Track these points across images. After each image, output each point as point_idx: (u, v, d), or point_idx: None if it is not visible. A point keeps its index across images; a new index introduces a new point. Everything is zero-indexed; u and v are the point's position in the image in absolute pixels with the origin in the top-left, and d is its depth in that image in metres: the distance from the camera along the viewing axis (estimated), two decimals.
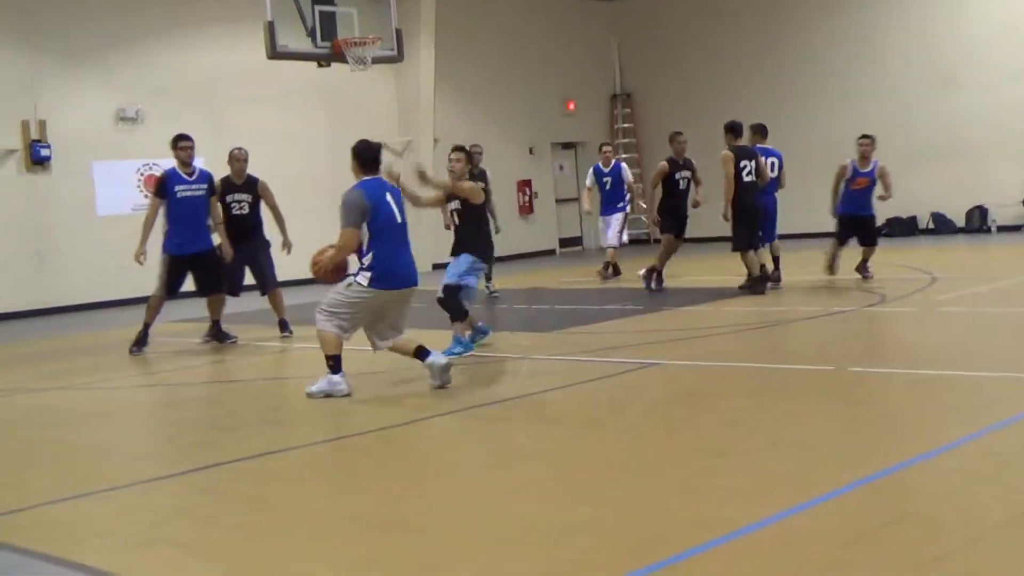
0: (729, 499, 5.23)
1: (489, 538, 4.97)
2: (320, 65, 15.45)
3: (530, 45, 25.27)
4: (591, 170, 17.87)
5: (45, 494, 6.35)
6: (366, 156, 8.90)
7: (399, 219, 8.81)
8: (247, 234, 12.75)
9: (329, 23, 14.87)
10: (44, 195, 18.51)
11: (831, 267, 14.49)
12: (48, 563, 5.05)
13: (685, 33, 25.79)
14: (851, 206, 14.38)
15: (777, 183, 14.94)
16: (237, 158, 12.89)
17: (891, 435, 6.40)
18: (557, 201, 26.36)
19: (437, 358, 8.71)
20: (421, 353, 8.70)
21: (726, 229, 14.17)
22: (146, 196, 18.98)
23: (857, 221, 14.36)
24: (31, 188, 18.40)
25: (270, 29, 14.09)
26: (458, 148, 10.73)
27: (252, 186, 12.89)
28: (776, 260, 14.67)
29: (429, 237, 20.41)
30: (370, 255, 8.63)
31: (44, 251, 18.43)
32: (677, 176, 14.96)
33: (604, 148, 17.95)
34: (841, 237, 14.49)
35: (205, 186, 12.32)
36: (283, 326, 12.79)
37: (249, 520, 5.56)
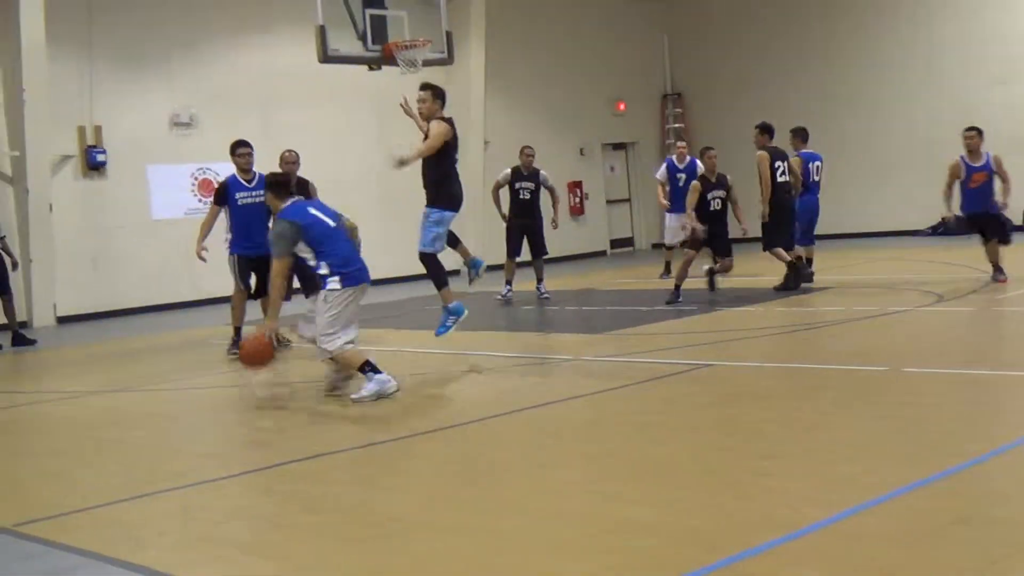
0: (785, 500, 5.20)
1: (542, 538, 4.98)
2: (371, 68, 15.52)
3: (580, 46, 25.25)
4: (664, 164, 17.76)
5: (106, 494, 6.43)
6: (277, 186, 9.22)
7: (332, 224, 8.97)
8: None
9: (380, 26, 14.93)
10: (100, 200, 18.74)
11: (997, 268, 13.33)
12: (109, 564, 5.12)
13: (736, 32, 25.65)
14: (974, 204, 13.33)
15: (819, 186, 14.96)
16: (288, 160, 12.90)
17: (948, 436, 6.34)
18: (608, 202, 26.32)
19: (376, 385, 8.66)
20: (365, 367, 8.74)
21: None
22: (201, 200, 19.23)
23: (984, 219, 13.28)
24: (87, 193, 18.65)
25: (322, 33, 14.18)
26: (425, 87, 10.52)
27: (304, 188, 12.95)
28: (809, 261, 14.75)
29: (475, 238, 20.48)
30: (324, 265, 8.77)
31: (100, 255, 18.66)
32: (709, 196, 13.95)
33: (679, 144, 17.79)
34: (982, 235, 13.42)
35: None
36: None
37: (305, 520, 5.61)
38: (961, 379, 8.01)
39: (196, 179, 19.77)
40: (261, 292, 12.35)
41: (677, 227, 16.57)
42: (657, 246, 26.30)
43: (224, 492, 6.40)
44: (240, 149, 12.38)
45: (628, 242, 26.92)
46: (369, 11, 14.77)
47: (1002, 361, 8.58)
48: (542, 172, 15.81)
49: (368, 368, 8.70)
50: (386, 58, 14.84)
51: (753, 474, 5.78)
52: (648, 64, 26.85)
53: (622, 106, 26.35)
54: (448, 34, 15.62)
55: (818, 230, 15.30)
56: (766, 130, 14.28)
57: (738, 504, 5.23)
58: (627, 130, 26.63)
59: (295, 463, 6.88)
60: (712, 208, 13.99)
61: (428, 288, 19.01)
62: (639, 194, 26.96)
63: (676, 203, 17.00)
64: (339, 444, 7.45)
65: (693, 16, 26.62)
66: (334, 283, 8.68)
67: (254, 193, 12.05)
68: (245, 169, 12.26)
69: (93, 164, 18.54)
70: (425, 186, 10.51)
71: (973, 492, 5.25)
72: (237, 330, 12.23)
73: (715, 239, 14.04)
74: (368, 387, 8.66)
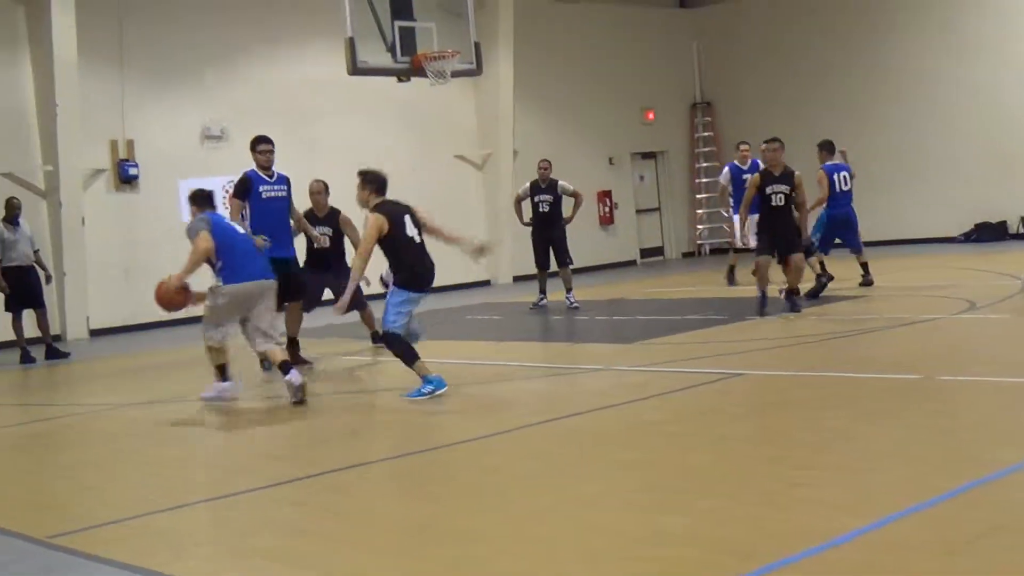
0: (820, 509, 5.17)
1: (577, 547, 4.97)
2: (400, 80, 15.56)
3: (609, 55, 25.22)
4: (727, 168, 17.62)
5: (139, 507, 6.46)
6: (200, 199, 10.43)
7: (240, 231, 10.19)
8: (329, 265, 12.71)
9: (408, 38, 14.96)
10: (132, 213, 18.86)
11: None
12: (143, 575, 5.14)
13: (766, 40, 25.56)
14: None
15: (849, 195, 15.03)
16: (315, 191, 12.89)
17: (983, 444, 6.28)
18: (637, 211, 26.26)
19: (294, 377, 9.47)
20: (284, 367, 9.56)
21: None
22: (226, 207, 19.33)
23: None
24: (120, 206, 18.76)
25: (351, 45, 14.21)
26: (359, 174, 9.72)
27: (334, 218, 12.92)
28: (864, 267, 14.81)
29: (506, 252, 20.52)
30: (219, 264, 9.87)
31: (132, 268, 18.76)
32: (768, 191, 12.98)
33: (741, 146, 17.60)
34: None
35: (286, 188, 12.03)
36: (375, 338, 12.67)
37: (339, 530, 5.62)
38: (996, 387, 7.93)
39: (227, 192, 19.82)
40: (286, 296, 11.84)
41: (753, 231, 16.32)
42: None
43: (256, 503, 6.41)
44: (261, 146, 12.06)
45: (658, 251, 26.84)
46: (398, 23, 14.79)
47: None
48: (560, 182, 15.89)
49: (219, 372, 9.82)
50: (415, 69, 14.87)
51: (787, 484, 5.74)
52: (677, 73, 26.79)
53: (651, 115, 26.30)
54: (476, 45, 15.63)
55: None
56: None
57: (772, 514, 5.20)
58: (656, 139, 26.57)
59: (327, 475, 6.89)
60: (774, 204, 12.96)
61: (465, 298, 19.15)
62: (669, 203, 26.90)
63: (739, 205, 16.83)
64: (370, 455, 7.47)
65: (722, 24, 26.55)
66: (218, 281, 9.88)
67: (276, 187, 11.88)
68: (265, 167, 11.96)
69: (125, 178, 18.66)
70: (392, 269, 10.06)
71: (1008, 501, 5.20)
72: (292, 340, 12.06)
73: (777, 238, 12.97)
74: (211, 392, 9.87)
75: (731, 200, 17.25)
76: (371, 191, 9.50)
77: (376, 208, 9.40)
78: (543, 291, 16.05)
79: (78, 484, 7.39)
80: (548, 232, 15.88)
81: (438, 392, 9.21)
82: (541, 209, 15.95)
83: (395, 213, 9.42)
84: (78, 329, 17.89)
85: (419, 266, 9.58)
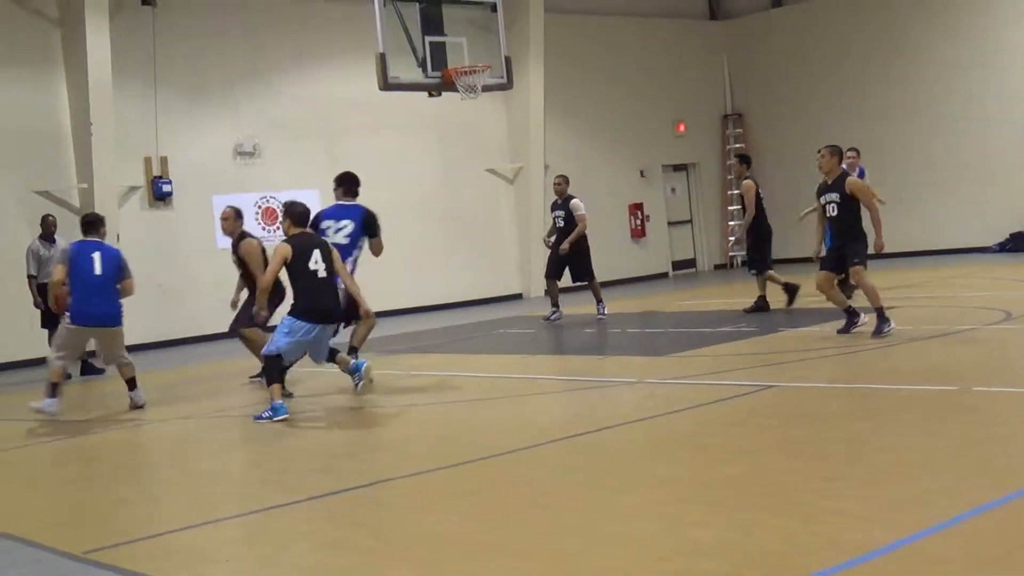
0: (853, 522, 5.14)
1: (606, 561, 4.96)
2: (431, 95, 15.59)
3: (639, 67, 25.23)
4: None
5: (172, 521, 6.51)
6: (86, 223, 11.49)
7: (98, 272, 10.96)
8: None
9: (439, 53, 15.01)
10: (166, 229, 19.01)
11: None
12: None
13: (796, 51, 25.51)
14: None
15: None
16: (223, 216, 13.03)
17: (1017, 456, 6.23)
18: (669, 224, 26.22)
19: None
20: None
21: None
22: (264, 228, 19.49)
23: None
24: (154, 223, 18.91)
25: (382, 61, 14.27)
26: (284, 204, 10.81)
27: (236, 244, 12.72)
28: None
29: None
30: (69, 299, 10.95)
31: (166, 284, 18.90)
32: (823, 201, 12.13)
33: (848, 153, 17.44)
34: None
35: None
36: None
37: (370, 545, 5.63)
38: None
39: (260, 208, 19.98)
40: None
41: None
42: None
43: (288, 518, 6.43)
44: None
45: (690, 263, 26.79)
46: (428, 38, 14.84)
47: None
48: (574, 200, 16.02)
49: (49, 388, 10.78)
50: (446, 84, 14.91)
51: (819, 496, 5.71)
52: (708, 85, 26.77)
53: (682, 127, 26.28)
54: (507, 59, 15.66)
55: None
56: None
57: (805, 526, 5.18)
58: (688, 151, 26.54)
59: (358, 489, 6.92)
60: (828, 214, 12.03)
61: (497, 312, 19.18)
62: (701, 215, 26.85)
63: None
64: (402, 470, 7.48)
65: (753, 36, 26.51)
66: (67, 319, 10.95)
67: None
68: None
69: (159, 195, 18.82)
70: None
71: None
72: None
73: (833, 250, 12.08)
74: (41, 403, 10.78)
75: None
76: (290, 222, 10.29)
77: (288, 238, 10.18)
78: (555, 304, 16.26)
79: (112, 499, 7.44)
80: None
81: (276, 419, 9.63)
82: (557, 224, 16.23)
83: (303, 245, 10.10)
84: None
85: (315, 299, 10.06)
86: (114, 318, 11.14)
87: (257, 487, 7.49)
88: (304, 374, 12.56)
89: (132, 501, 7.37)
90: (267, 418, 9.65)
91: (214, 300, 12.50)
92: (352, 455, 8.28)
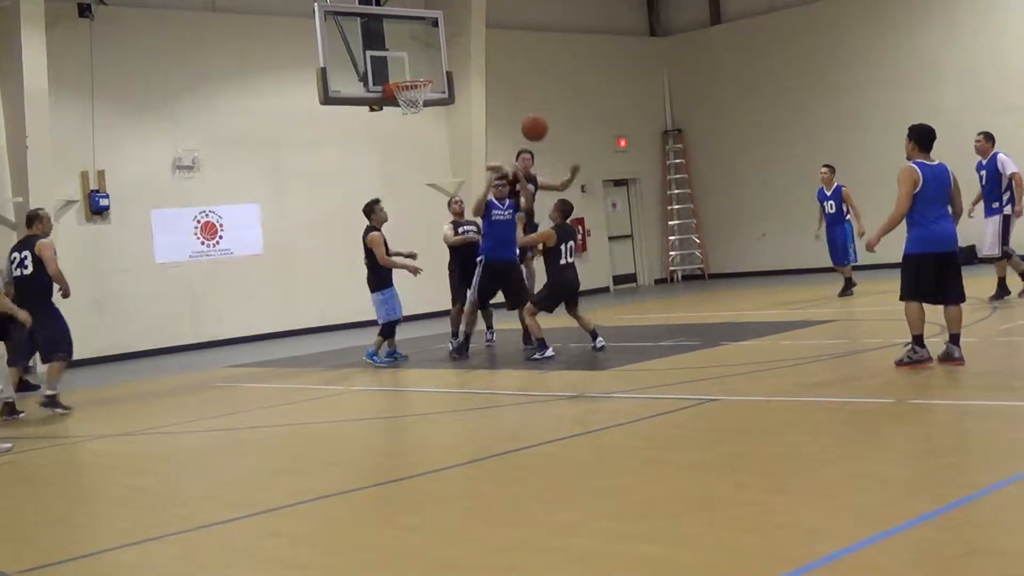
0: (795, 535, 5.19)
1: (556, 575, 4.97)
2: (372, 109, 15.59)
3: (580, 83, 25.36)
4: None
5: (111, 539, 6.42)
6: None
7: None
8: (29, 298, 12.13)
9: (380, 67, 15.01)
10: (104, 244, 18.80)
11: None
12: None
13: (735, 68, 25.79)
14: None
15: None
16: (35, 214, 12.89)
17: (956, 468, 6.32)
18: (610, 238, 26.36)
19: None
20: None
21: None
22: (203, 243, 19.37)
23: None
24: (91, 238, 18.70)
25: (323, 75, 14.24)
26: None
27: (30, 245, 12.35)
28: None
29: None
30: None
31: (104, 299, 18.68)
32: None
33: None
34: None
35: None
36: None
37: (318, 562, 5.59)
38: (968, 410, 8.00)
39: (199, 222, 19.83)
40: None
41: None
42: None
43: (231, 535, 6.37)
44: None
45: (631, 278, 26.93)
46: (370, 52, 14.85)
47: (1008, 391, 8.56)
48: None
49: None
50: (387, 99, 14.91)
51: (762, 509, 5.76)
52: (649, 101, 26.98)
53: (623, 143, 26.45)
54: (448, 74, 15.70)
55: (819, 263, 15.48)
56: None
57: (748, 540, 5.22)
58: (628, 166, 26.71)
59: (303, 504, 6.87)
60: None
61: (431, 327, 19.13)
62: (641, 230, 27.02)
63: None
64: (348, 485, 7.44)
65: (692, 53, 26.76)
66: None
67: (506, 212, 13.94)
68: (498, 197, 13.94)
69: (96, 209, 18.61)
70: None
71: (982, 524, 5.24)
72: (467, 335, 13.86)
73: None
74: None
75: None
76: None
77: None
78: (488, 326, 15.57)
79: (48, 517, 7.33)
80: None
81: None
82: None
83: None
84: None
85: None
86: None
87: (200, 503, 7.41)
88: (272, 391, 12.49)
89: (71, 518, 7.27)
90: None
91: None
92: (296, 471, 8.22)
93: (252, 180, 20.32)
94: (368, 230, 13.96)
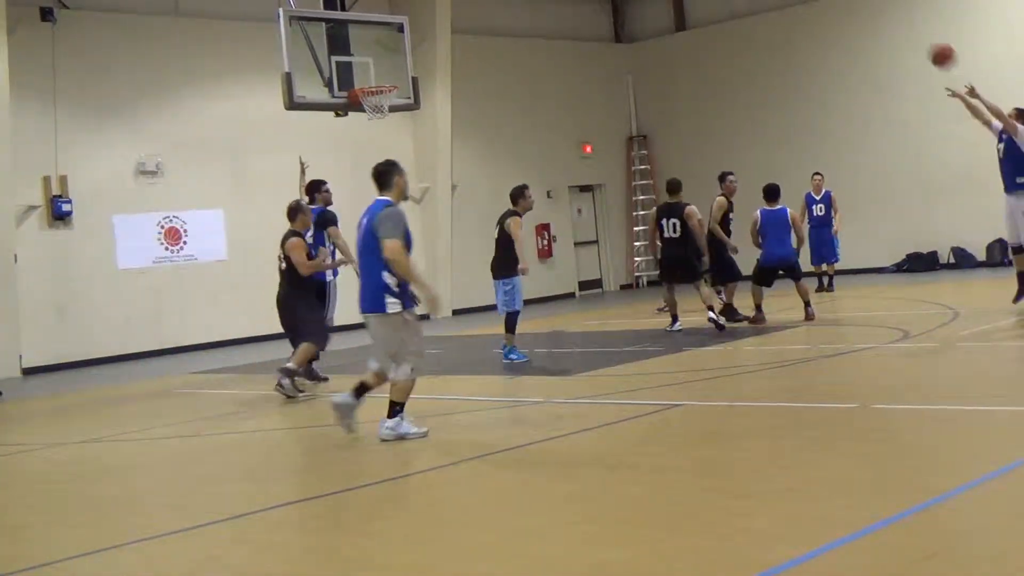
0: (758, 539, 5.20)
1: None
2: (337, 115, 15.52)
3: (546, 89, 25.41)
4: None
5: (70, 548, 6.35)
6: None
7: None
8: None
9: (346, 73, 14.95)
10: (65, 250, 18.65)
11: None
12: None
13: (700, 74, 25.91)
14: None
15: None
16: None
17: (917, 472, 6.36)
18: (576, 244, 26.39)
19: None
20: None
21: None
22: (167, 249, 19.27)
23: None
24: (53, 243, 18.55)
25: (288, 80, 14.17)
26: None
27: None
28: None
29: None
30: None
31: (66, 305, 18.53)
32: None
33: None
34: None
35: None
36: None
37: (281, 571, 5.56)
38: (929, 415, 8.04)
39: (163, 228, 19.70)
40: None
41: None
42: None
43: (193, 543, 6.31)
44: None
45: (596, 283, 26.99)
46: (335, 58, 14.78)
47: (968, 397, 8.62)
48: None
49: None
50: (353, 104, 14.85)
51: (725, 514, 5.77)
52: (613, 107, 27.06)
53: (588, 148, 26.50)
54: (414, 79, 15.66)
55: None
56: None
57: (713, 544, 5.23)
58: (594, 172, 26.77)
59: (270, 510, 6.82)
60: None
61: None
62: (607, 235, 27.08)
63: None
64: (312, 491, 7.40)
65: (657, 59, 26.86)
66: None
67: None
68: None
69: (58, 214, 18.45)
70: None
71: (943, 528, 5.27)
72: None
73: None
74: None
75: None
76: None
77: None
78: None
79: (5, 526, 7.26)
80: None
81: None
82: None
83: None
84: (10, 368, 17.61)
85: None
86: None
87: (162, 511, 7.35)
88: (235, 397, 12.40)
89: (31, 527, 7.19)
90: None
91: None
92: (260, 478, 8.16)
93: (216, 185, 20.21)
94: (509, 214, 13.16)
